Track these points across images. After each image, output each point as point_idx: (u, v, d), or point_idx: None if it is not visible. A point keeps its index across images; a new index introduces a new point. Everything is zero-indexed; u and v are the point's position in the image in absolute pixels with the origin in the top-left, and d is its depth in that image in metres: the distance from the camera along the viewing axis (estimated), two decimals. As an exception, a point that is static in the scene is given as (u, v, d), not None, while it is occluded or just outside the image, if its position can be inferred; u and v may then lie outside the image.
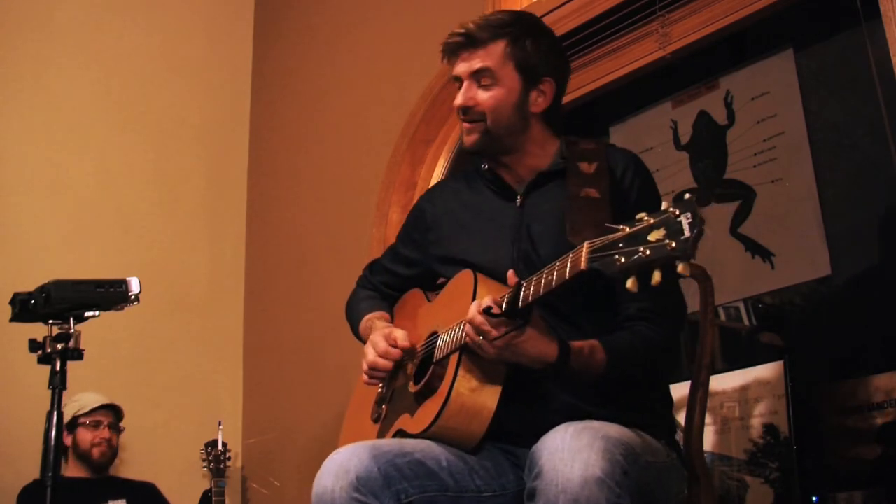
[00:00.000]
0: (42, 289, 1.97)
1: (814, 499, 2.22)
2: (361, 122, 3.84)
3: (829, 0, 2.40)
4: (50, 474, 1.88)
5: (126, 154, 4.16)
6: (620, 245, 1.34)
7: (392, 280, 2.15)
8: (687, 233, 1.27)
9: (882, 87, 2.21)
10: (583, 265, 1.41)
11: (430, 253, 2.00)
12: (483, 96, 1.84)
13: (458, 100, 1.87)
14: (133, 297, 2.02)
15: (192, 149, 4.36)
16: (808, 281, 2.40)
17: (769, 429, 2.37)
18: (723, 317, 2.57)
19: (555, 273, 1.51)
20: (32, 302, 1.98)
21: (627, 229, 1.35)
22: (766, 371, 2.42)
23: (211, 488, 3.65)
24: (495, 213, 1.90)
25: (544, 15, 2.90)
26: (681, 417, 1.97)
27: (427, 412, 1.76)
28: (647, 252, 1.30)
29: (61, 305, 1.97)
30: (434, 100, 3.47)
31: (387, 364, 1.91)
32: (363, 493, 1.59)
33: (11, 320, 2.05)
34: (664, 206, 1.32)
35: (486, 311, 1.60)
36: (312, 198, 4.05)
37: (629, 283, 1.32)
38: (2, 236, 3.77)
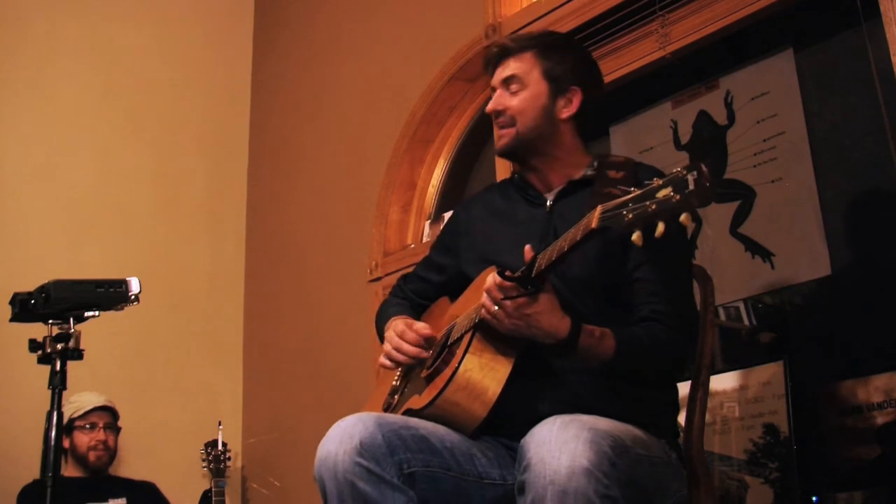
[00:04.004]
0: (42, 289, 1.98)
1: (814, 499, 2.22)
2: (361, 121, 3.84)
3: (829, 0, 2.40)
4: (50, 474, 1.88)
5: (126, 154, 4.16)
6: (630, 204, 1.43)
7: (423, 287, 2.18)
8: (692, 186, 1.35)
9: (882, 87, 2.20)
10: (594, 224, 1.49)
11: (462, 256, 2.05)
12: (512, 101, 1.96)
13: (489, 105, 1.99)
14: (133, 297, 2.03)
15: (192, 149, 4.37)
16: (808, 281, 2.40)
17: (769, 429, 2.37)
18: (723, 317, 2.57)
19: (568, 238, 1.57)
20: (32, 302, 1.98)
21: (637, 191, 1.43)
22: (766, 371, 2.42)
23: (211, 488, 3.65)
24: (525, 218, 1.97)
25: (544, 15, 2.91)
26: (681, 417, 1.98)
27: (434, 387, 1.79)
28: (653, 206, 1.38)
29: (61, 305, 1.97)
30: (434, 100, 3.48)
31: (411, 348, 1.93)
32: (366, 458, 1.61)
33: (11, 320, 2.05)
34: (674, 170, 1.40)
35: (501, 274, 1.65)
36: (312, 198, 4.05)
37: (634, 237, 1.40)
38: (2, 236, 3.77)
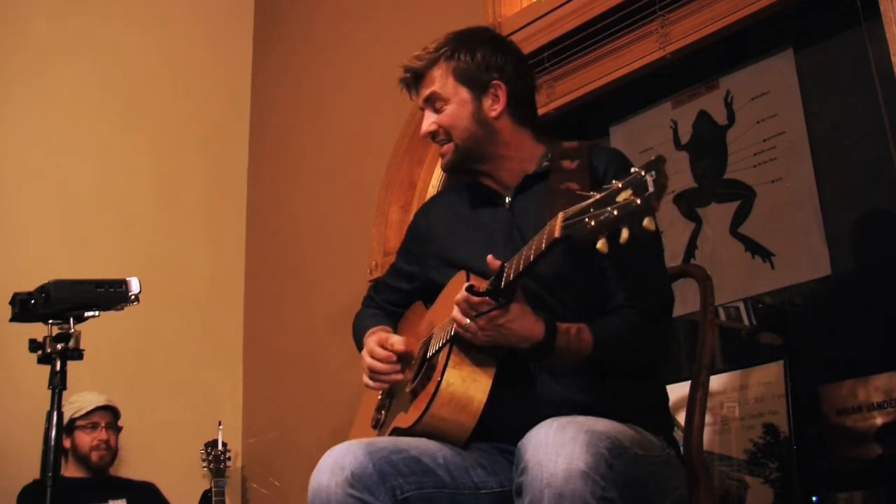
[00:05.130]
0: (42, 289, 1.98)
1: (814, 499, 2.22)
2: (361, 121, 3.84)
3: (829, 0, 2.40)
4: (50, 474, 1.88)
5: (126, 154, 4.16)
6: (591, 210, 1.38)
7: (395, 297, 2.18)
8: (651, 188, 1.30)
9: (882, 87, 2.21)
10: (557, 233, 1.45)
11: (428, 263, 2.04)
12: (441, 118, 1.93)
13: (422, 130, 1.97)
14: (133, 297, 2.03)
15: (192, 149, 4.37)
16: (808, 281, 2.40)
17: (769, 429, 2.37)
18: (723, 317, 2.57)
19: (533, 248, 1.54)
20: (32, 302, 1.98)
21: (597, 195, 1.39)
22: (766, 371, 2.42)
23: (211, 488, 3.65)
24: (486, 220, 1.95)
25: (544, 15, 2.90)
26: (681, 417, 1.98)
27: (418, 405, 1.78)
28: (615, 212, 1.34)
29: (61, 305, 1.97)
30: (434, 100, 3.47)
31: (383, 366, 1.94)
32: (358, 490, 1.60)
33: (11, 320, 2.05)
34: (633, 170, 1.35)
35: (470, 290, 1.63)
36: (312, 198, 4.05)
37: (599, 244, 1.36)
38: (2, 236, 3.77)
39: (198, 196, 4.34)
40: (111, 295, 2.01)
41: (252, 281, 4.36)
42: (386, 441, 1.73)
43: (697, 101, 2.75)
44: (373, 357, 1.95)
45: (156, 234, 4.14)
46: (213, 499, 3.62)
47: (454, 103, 1.91)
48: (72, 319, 1.97)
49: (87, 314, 2.00)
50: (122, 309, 2.05)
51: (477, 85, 1.91)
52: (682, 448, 1.85)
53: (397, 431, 1.83)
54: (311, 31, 4.28)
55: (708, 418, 2.08)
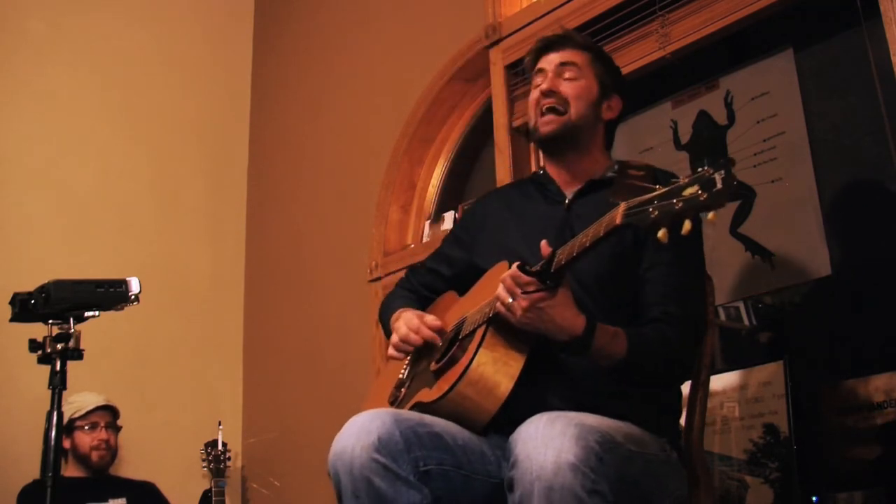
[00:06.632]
0: (42, 289, 1.98)
1: (814, 499, 2.22)
2: (361, 121, 3.84)
3: (829, 0, 2.40)
4: (50, 474, 1.88)
5: (126, 154, 4.16)
6: (655, 202, 1.41)
7: (432, 280, 2.19)
8: (719, 185, 1.34)
9: (882, 87, 2.21)
10: (618, 220, 1.48)
11: (476, 250, 2.07)
12: (567, 86, 2.00)
13: (545, 84, 2.01)
14: (133, 297, 2.03)
15: (192, 149, 4.37)
16: (808, 281, 2.40)
17: (769, 429, 2.37)
18: (723, 317, 2.57)
19: (590, 234, 1.56)
20: (32, 302, 1.98)
21: (663, 189, 1.41)
22: (766, 371, 2.42)
23: (211, 488, 3.65)
24: (543, 214, 1.99)
25: (544, 15, 2.91)
26: (681, 417, 1.97)
27: (446, 380, 1.78)
28: (680, 204, 1.37)
29: (61, 305, 1.97)
30: (434, 100, 3.48)
31: (417, 339, 1.96)
32: (383, 455, 1.60)
33: (11, 320, 2.05)
34: (700, 169, 1.39)
35: (521, 268, 1.65)
36: (312, 198, 4.06)
37: (660, 234, 1.38)
38: (2, 236, 3.77)
39: (198, 196, 4.35)
40: (111, 295, 2.01)
41: (252, 281, 4.37)
42: (411, 413, 1.73)
43: (697, 101, 2.75)
44: (408, 327, 1.97)
45: (156, 234, 4.15)
46: (213, 499, 3.62)
47: (586, 83, 2.02)
48: (72, 319, 1.98)
49: (87, 314, 2.00)
50: (122, 309, 2.05)
51: (604, 89, 2.05)
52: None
53: (418, 406, 1.82)
54: (311, 31, 4.28)
55: (708, 418, 2.07)
